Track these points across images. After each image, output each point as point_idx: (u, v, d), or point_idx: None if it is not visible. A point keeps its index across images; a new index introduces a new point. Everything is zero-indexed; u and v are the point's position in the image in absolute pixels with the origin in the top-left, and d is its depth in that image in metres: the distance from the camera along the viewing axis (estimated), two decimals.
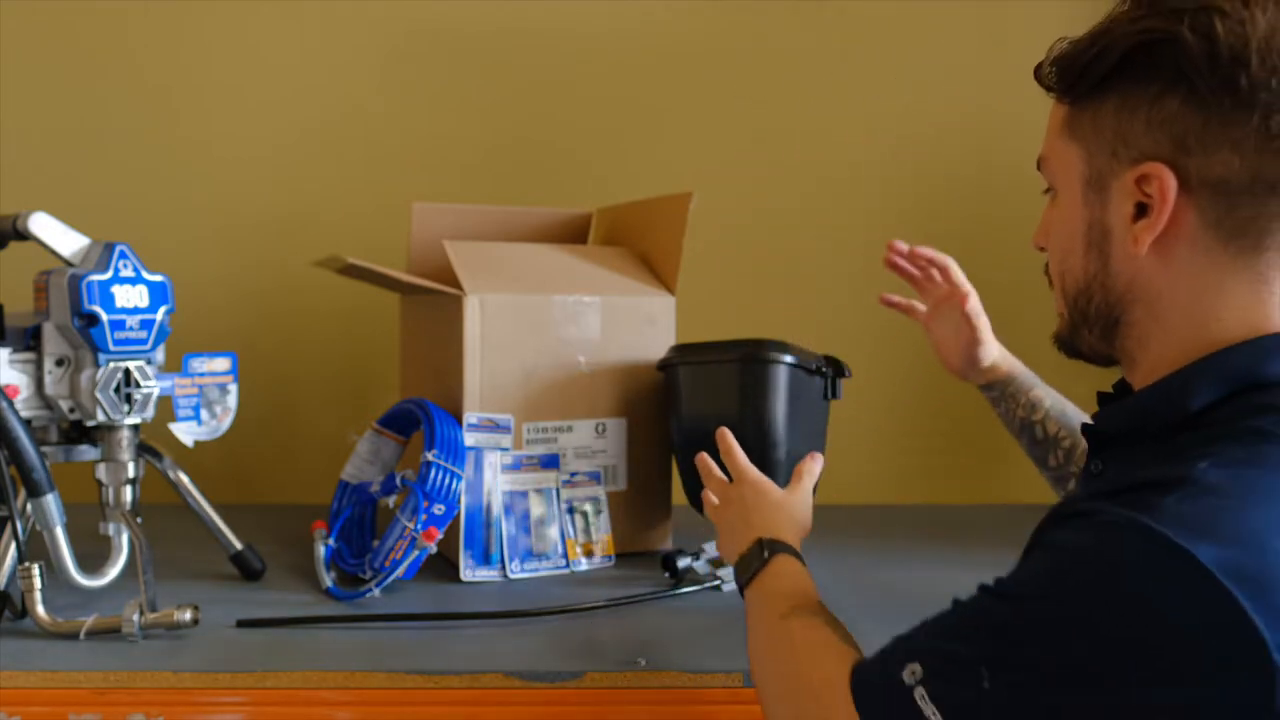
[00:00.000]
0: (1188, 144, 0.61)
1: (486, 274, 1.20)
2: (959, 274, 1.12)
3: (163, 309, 1.06)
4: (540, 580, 1.16)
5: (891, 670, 0.59)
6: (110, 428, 1.05)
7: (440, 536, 1.06)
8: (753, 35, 1.64)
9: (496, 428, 1.18)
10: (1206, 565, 0.50)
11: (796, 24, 1.64)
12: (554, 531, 1.19)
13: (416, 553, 1.05)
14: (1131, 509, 0.54)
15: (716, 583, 1.12)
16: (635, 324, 1.26)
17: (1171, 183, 0.61)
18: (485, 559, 1.16)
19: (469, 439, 1.15)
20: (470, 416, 1.16)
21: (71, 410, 1.05)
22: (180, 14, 1.56)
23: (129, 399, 1.04)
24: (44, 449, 1.00)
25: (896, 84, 1.65)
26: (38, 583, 0.95)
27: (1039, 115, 0.75)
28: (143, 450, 1.10)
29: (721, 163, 1.63)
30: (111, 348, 1.03)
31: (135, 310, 1.04)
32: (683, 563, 1.14)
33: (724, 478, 0.97)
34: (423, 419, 1.13)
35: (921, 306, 1.18)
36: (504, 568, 1.15)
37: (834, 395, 1.23)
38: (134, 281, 1.04)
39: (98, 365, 1.03)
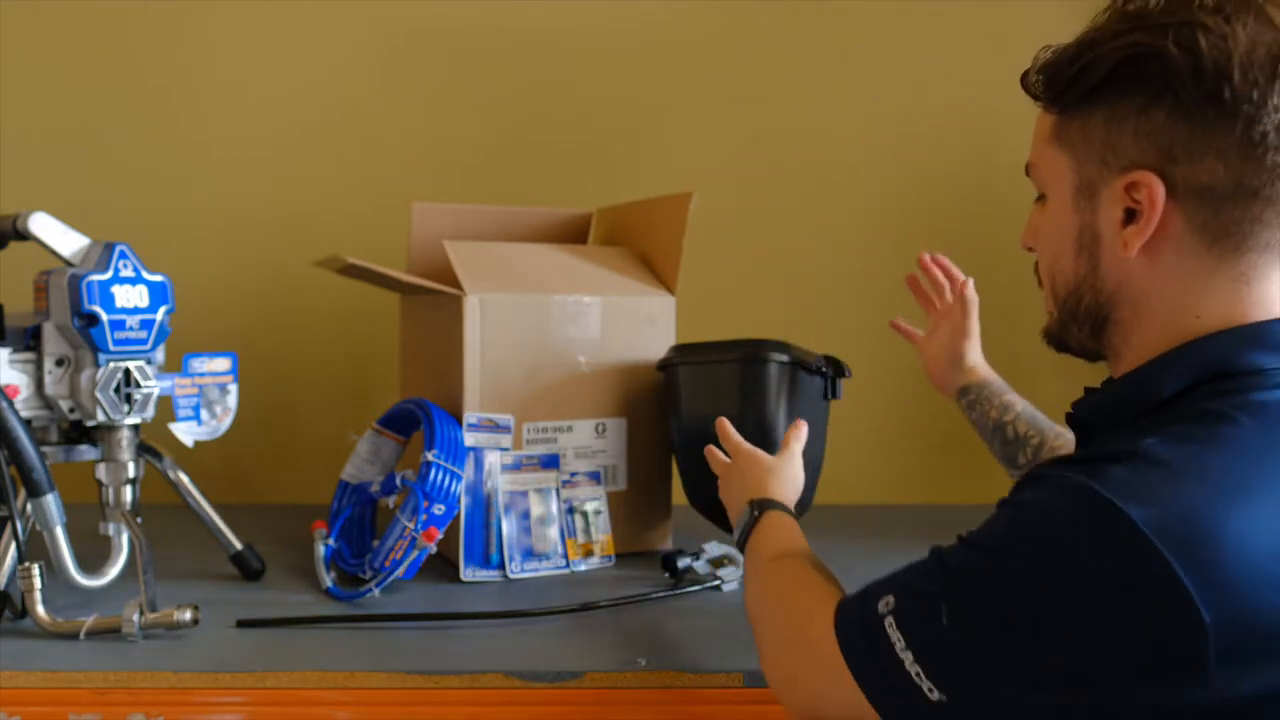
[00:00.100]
0: (1174, 153, 0.64)
1: (486, 274, 1.20)
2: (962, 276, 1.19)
3: (163, 309, 1.06)
4: (540, 580, 1.16)
5: (869, 603, 0.66)
6: (110, 428, 1.05)
7: (440, 536, 1.06)
8: (753, 35, 1.64)
9: (496, 428, 1.18)
10: (1139, 525, 0.55)
11: (796, 24, 1.64)
12: (554, 531, 1.19)
13: (416, 553, 1.05)
14: (1081, 475, 0.59)
15: (716, 583, 1.12)
16: (635, 324, 1.26)
17: (1160, 190, 0.64)
18: (485, 559, 1.15)
19: (469, 439, 1.15)
20: (470, 416, 1.16)
21: (71, 410, 1.05)
22: (180, 14, 1.56)
23: (129, 399, 1.04)
24: (44, 449, 1.00)
25: (896, 84, 1.65)
26: (38, 583, 0.95)
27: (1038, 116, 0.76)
28: (143, 450, 1.10)
29: (721, 163, 1.63)
30: (111, 348, 1.03)
31: (135, 310, 1.04)
32: (683, 563, 1.14)
33: (727, 461, 1.03)
34: (423, 419, 1.13)
35: (922, 333, 1.27)
36: (504, 568, 1.15)
37: (834, 395, 1.22)
38: (134, 281, 1.04)
39: (98, 365, 1.03)
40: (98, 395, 1.02)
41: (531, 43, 1.61)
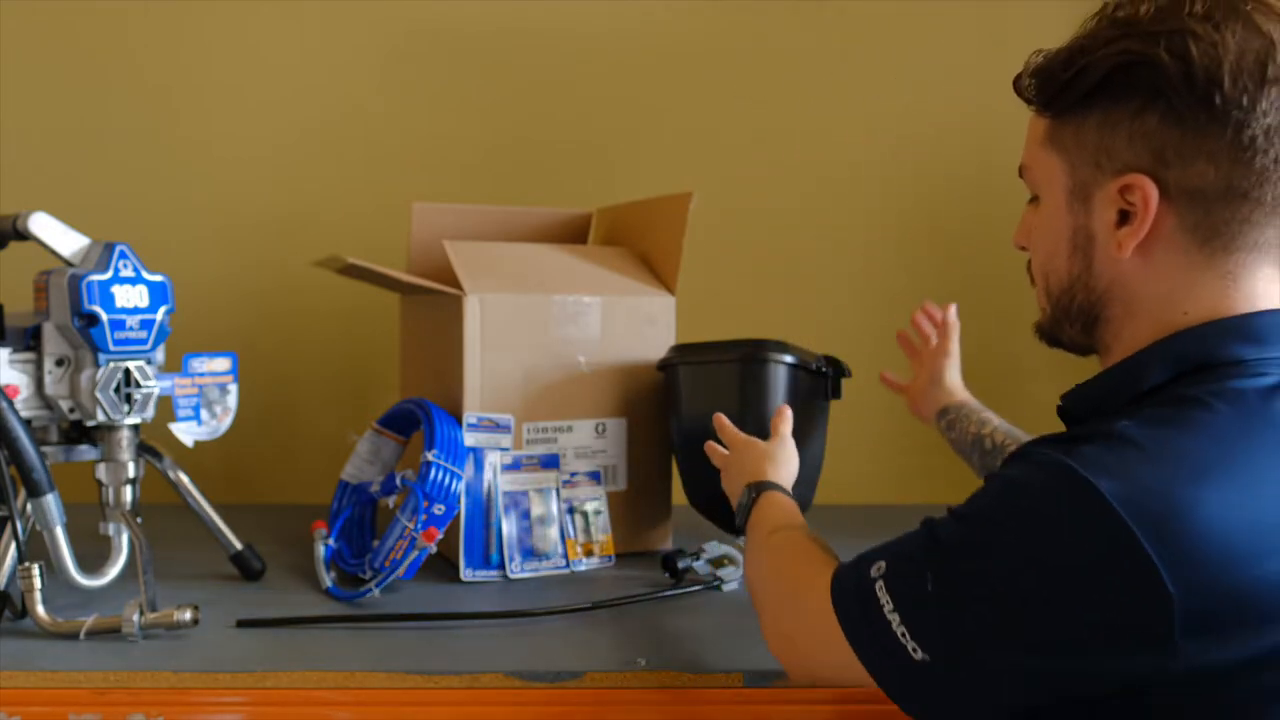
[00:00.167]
0: (1167, 157, 0.66)
1: (486, 274, 1.20)
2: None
3: (163, 309, 1.06)
4: (540, 580, 1.16)
5: (863, 568, 0.69)
6: (110, 428, 1.05)
7: (440, 536, 1.06)
8: (753, 35, 1.64)
9: (496, 428, 1.18)
10: (1109, 499, 0.58)
11: (796, 24, 1.64)
12: (554, 531, 1.19)
13: (416, 553, 1.05)
14: (1059, 452, 0.62)
15: (716, 583, 1.12)
16: (635, 324, 1.26)
17: (1153, 192, 0.67)
18: (485, 559, 1.15)
19: (469, 439, 1.15)
20: (470, 416, 1.16)
21: (71, 410, 1.05)
22: (180, 14, 1.56)
23: (129, 399, 1.04)
24: (44, 449, 1.00)
25: (896, 84, 1.65)
26: (38, 583, 0.95)
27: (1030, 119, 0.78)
28: (143, 450, 1.10)
29: (721, 163, 1.63)
30: (111, 348, 1.03)
31: (135, 310, 1.04)
32: (683, 563, 1.14)
33: (727, 453, 1.06)
34: (423, 419, 1.13)
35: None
36: (504, 568, 1.15)
37: (834, 395, 1.23)
38: (134, 281, 1.04)
39: (98, 365, 1.03)
40: (98, 395, 1.02)
41: (531, 43, 1.61)
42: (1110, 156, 0.68)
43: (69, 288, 1.01)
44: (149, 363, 1.06)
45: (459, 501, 1.11)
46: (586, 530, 1.21)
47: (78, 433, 1.08)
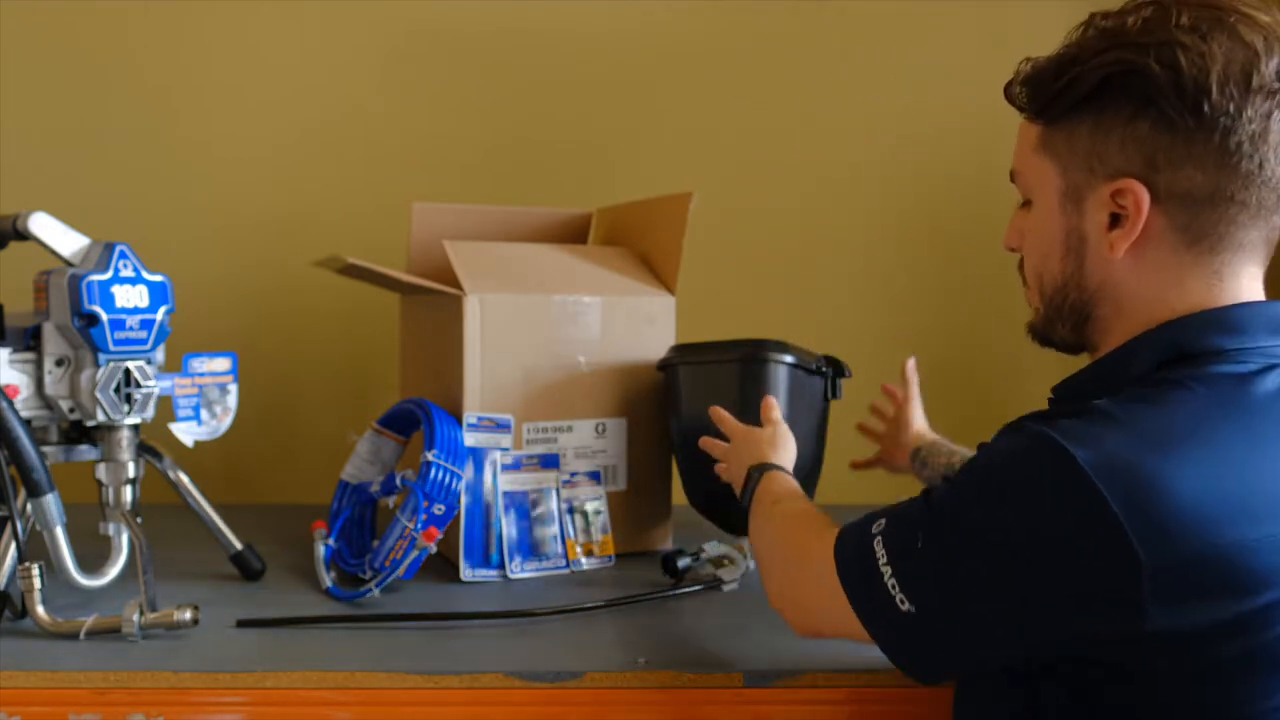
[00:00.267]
0: (1157, 161, 0.69)
1: (486, 274, 1.20)
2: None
3: (163, 309, 1.06)
4: (540, 580, 1.16)
5: (865, 525, 0.74)
6: (110, 428, 1.05)
7: (440, 536, 1.06)
8: (753, 35, 1.64)
9: (496, 428, 1.18)
10: (1083, 466, 0.62)
11: (796, 24, 1.64)
12: (554, 531, 1.19)
13: (416, 553, 1.05)
14: (1041, 424, 0.66)
15: (716, 583, 1.12)
16: (635, 324, 1.26)
17: (1145, 196, 0.70)
18: (485, 559, 1.15)
19: (469, 439, 1.15)
20: (470, 416, 1.16)
21: (71, 410, 1.05)
22: (180, 14, 1.56)
23: (129, 399, 1.04)
24: (44, 449, 1.00)
25: (896, 84, 1.65)
26: (38, 583, 0.95)
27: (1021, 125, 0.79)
28: (143, 450, 1.10)
29: (721, 163, 1.63)
30: (111, 348, 1.03)
31: (135, 310, 1.04)
32: (683, 563, 1.14)
33: (727, 445, 1.08)
34: (423, 419, 1.13)
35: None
36: (504, 568, 1.15)
37: (834, 395, 1.22)
38: (134, 281, 1.04)
39: (98, 365, 1.03)
40: (98, 395, 1.02)
41: (531, 43, 1.61)
42: (1102, 161, 0.71)
43: (69, 288, 1.01)
44: (149, 363, 1.06)
45: (459, 501, 1.11)
46: (586, 530, 1.21)
47: (78, 433, 1.08)
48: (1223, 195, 0.69)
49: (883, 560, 0.70)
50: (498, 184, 1.60)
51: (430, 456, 1.08)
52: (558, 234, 1.42)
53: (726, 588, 1.12)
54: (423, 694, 0.87)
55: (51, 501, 0.97)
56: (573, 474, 1.22)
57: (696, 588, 1.12)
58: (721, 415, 1.10)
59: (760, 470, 0.98)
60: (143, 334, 1.04)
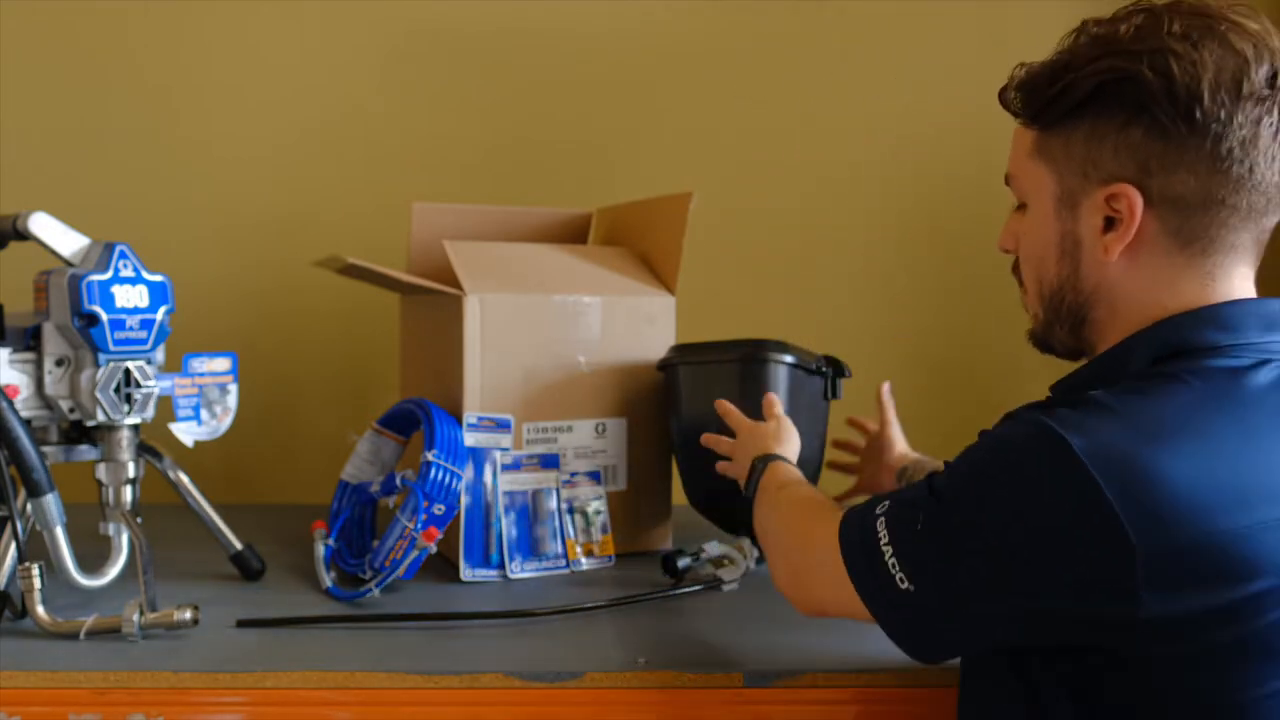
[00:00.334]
0: (1150, 167, 0.71)
1: (486, 274, 1.20)
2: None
3: (163, 309, 1.06)
4: (540, 580, 1.16)
5: (871, 507, 0.76)
6: (110, 428, 1.05)
7: (440, 536, 1.06)
8: (753, 35, 1.64)
9: (496, 428, 1.18)
10: (1078, 453, 0.63)
11: (796, 24, 1.64)
12: (554, 531, 1.19)
13: (416, 553, 1.05)
14: (1039, 413, 0.68)
15: (716, 583, 1.12)
16: (635, 324, 1.26)
17: (1138, 201, 0.71)
18: (485, 559, 1.15)
19: (469, 439, 1.15)
20: (470, 416, 1.16)
21: (71, 410, 1.05)
22: (180, 14, 1.56)
23: (129, 399, 1.04)
24: (44, 449, 1.00)
25: (896, 84, 1.65)
26: (38, 583, 0.95)
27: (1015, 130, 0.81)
28: (143, 450, 1.10)
29: (721, 163, 1.63)
30: (111, 348, 1.03)
31: (135, 310, 1.04)
32: (683, 563, 1.14)
33: (733, 441, 1.09)
34: (423, 419, 1.13)
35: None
36: (504, 568, 1.15)
37: (834, 395, 1.23)
38: (134, 281, 1.04)
39: (98, 365, 1.03)
40: (98, 395, 1.02)
41: (531, 43, 1.61)
42: (1097, 167, 0.73)
43: (69, 288, 1.01)
44: (149, 363, 1.06)
45: (459, 501, 1.11)
46: (586, 530, 1.21)
47: (78, 433, 1.08)
48: (1214, 199, 0.70)
49: (884, 540, 0.72)
50: (498, 184, 1.60)
51: (430, 456, 1.08)
52: (558, 234, 1.42)
53: (726, 588, 1.12)
54: (423, 694, 0.87)
55: (51, 501, 0.97)
56: (573, 474, 1.22)
57: (696, 588, 1.12)
58: (727, 408, 1.11)
59: (765, 461, 1.00)
60: (143, 334, 1.04)
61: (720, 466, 1.10)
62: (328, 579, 1.10)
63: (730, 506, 1.21)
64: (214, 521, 1.14)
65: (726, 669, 0.89)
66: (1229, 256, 0.73)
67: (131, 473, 1.06)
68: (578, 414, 1.23)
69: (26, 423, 0.97)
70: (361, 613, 1.02)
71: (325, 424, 1.59)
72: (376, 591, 1.05)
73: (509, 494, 1.18)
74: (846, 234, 1.65)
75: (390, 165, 1.60)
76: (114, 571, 1.04)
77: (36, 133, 1.55)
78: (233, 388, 1.14)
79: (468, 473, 1.14)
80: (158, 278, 1.06)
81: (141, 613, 0.94)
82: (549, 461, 1.21)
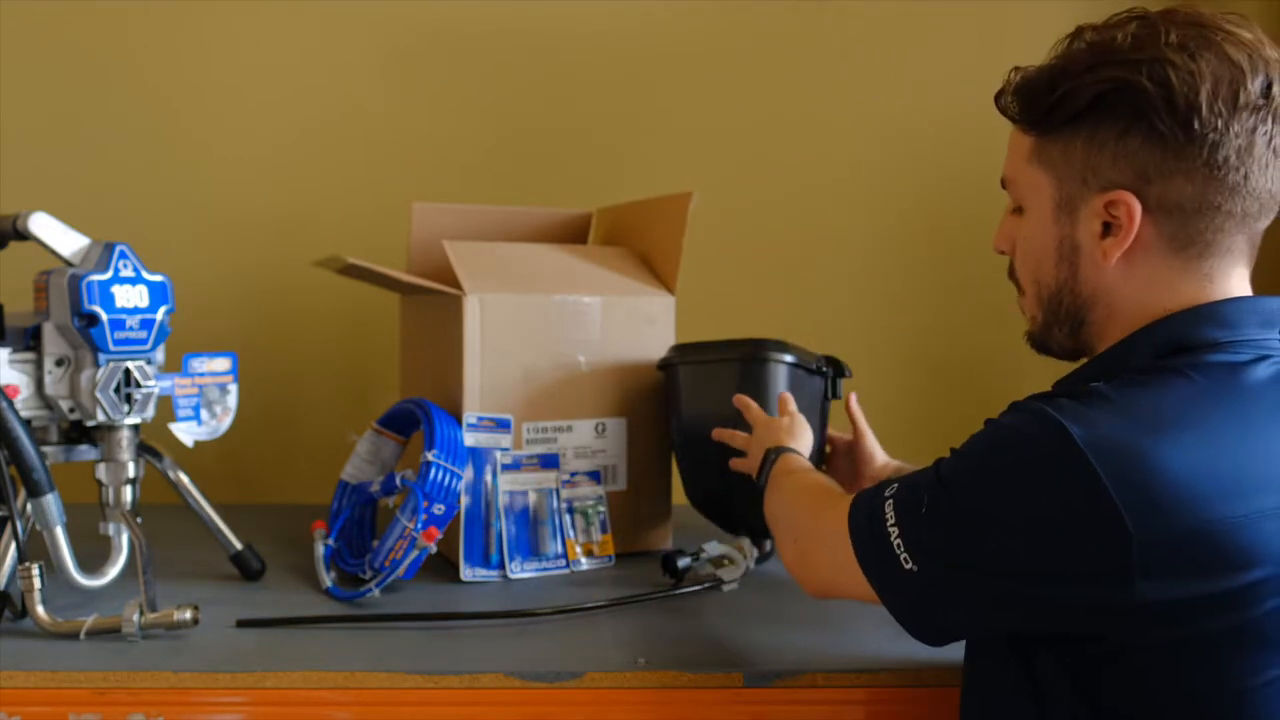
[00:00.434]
0: (1148, 174, 0.72)
1: (486, 274, 1.20)
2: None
3: (163, 309, 1.06)
4: (540, 580, 1.16)
5: (880, 490, 0.78)
6: (110, 428, 1.05)
7: (440, 536, 1.06)
8: (753, 35, 1.64)
9: (496, 428, 1.18)
10: (1078, 442, 0.65)
11: (796, 24, 1.64)
12: (554, 531, 1.19)
13: (416, 553, 1.05)
14: (1041, 403, 0.70)
15: (716, 583, 1.12)
16: (635, 324, 1.26)
17: (1137, 207, 0.73)
18: (485, 559, 1.15)
19: (469, 439, 1.15)
20: (470, 416, 1.16)
21: (71, 410, 1.05)
22: (180, 14, 1.56)
23: (129, 399, 1.04)
24: (44, 449, 1.00)
25: (896, 84, 1.65)
26: (38, 583, 0.95)
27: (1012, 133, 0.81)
28: (143, 450, 1.10)
29: (721, 163, 1.63)
30: (111, 348, 1.03)
31: (135, 310, 1.04)
32: (683, 563, 1.14)
33: (748, 437, 1.10)
34: (423, 419, 1.13)
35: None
36: (504, 568, 1.15)
37: (834, 395, 1.23)
38: (134, 281, 1.04)
39: (98, 365, 1.03)
40: (98, 395, 1.02)
41: (531, 43, 1.61)
42: (1096, 173, 0.74)
43: (69, 288, 1.01)
44: (149, 363, 1.06)
45: (459, 501, 1.11)
46: (586, 530, 1.21)
47: (78, 433, 1.08)
48: (1210, 205, 0.72)
49: (890, 521, 0.74)
50: (498, 184, 1.60)
51: (430, 456, 1.08)
52: (558, 234, 1.42)
53: (726, 588, 1.12)
54: (423, 694, 0.87)
55: (51, 501, 0.97)
56: (573, 474, 1.22)
57: (696, 588, 1.12)
58: (746, 402, 1.13)
59: (777, 452, 1.02)
60: (143, 334, 1.04)
61: (734, 463, 1.11)
62: (328, 579, 1.10)
63: (729, 505, 1.21)
64: (214, 521, 1.14)
65: (726, 669, 0.89)
66: (1224, 259, 0.74)
67: (131, 473, 1.06)
68: (578, 414, 1.23)
69: (26, 423, 0.97)
70: (361, 613, 1.02)
71: (325, 424, 1.59)
72: (376, 591, 1.05)
73: (509, 494, 1.18)
74: (846, 234, 1.65)
75: (390, 165, 1.60)
76: (114, 571, 1.04)
77: (36, 133, 1.55)
78: (233, 388, 1.14)
79: (468, 473, 1.14)
80: (158, 278, 1.06)
81: (141, 613, 0.94)
82: (549, 461, 1.21)
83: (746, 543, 1.17)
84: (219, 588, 1.11)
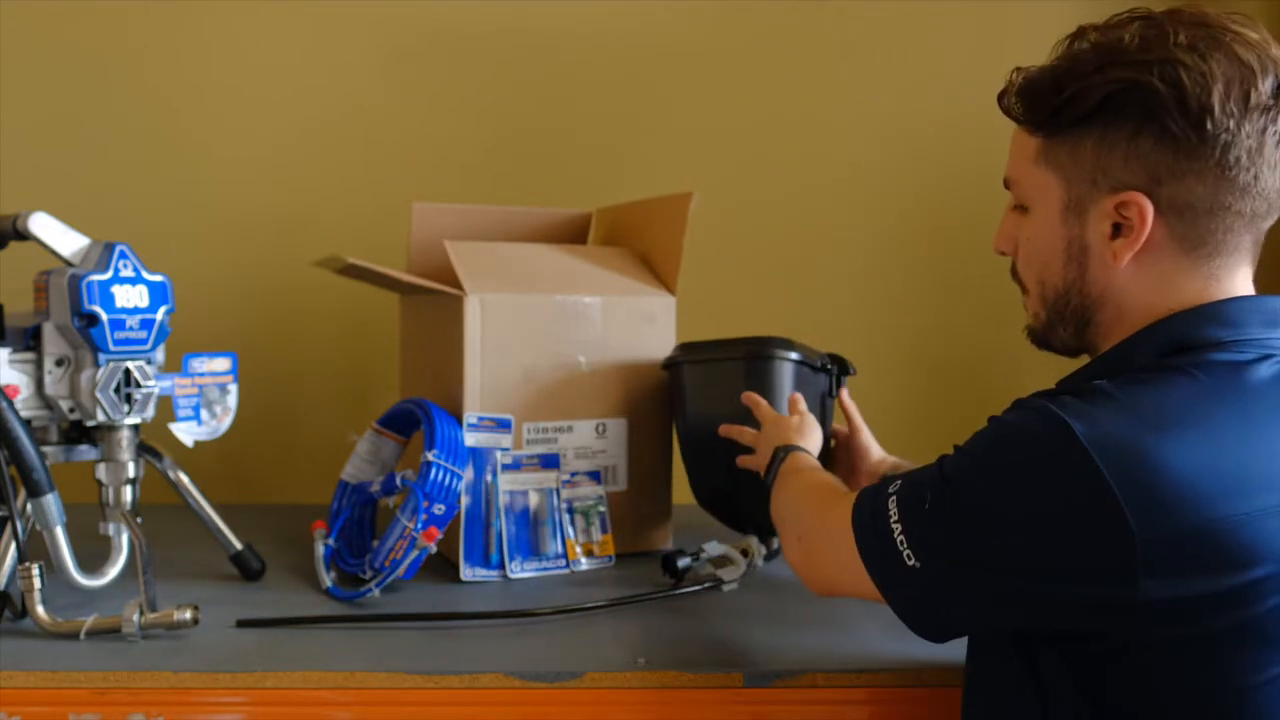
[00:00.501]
0: (1160, 175, 0.72)
1: (486, 274, 1.20)
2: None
3: (163, 309, 1.06)
4: (540, 580, 1.16)
5: (883, 487, 0.78)
6: (110, 428, 1.05)
7: (440, 536, 1.06)
8: (753, 35, 1.64)
9: (497, 428, 1.18)
10: (1081, 439, 0.65)
11: (796, 24, 1.64)
12: (554, 531, 1.19)
13: (416, 553, 1.05)
14: (1045, 400, 0.70)
15: (716, 583, 1.12)
16: (635, 324, 1.26)
17: (1149, 208, 0.73)
18: (485, 559, 1.15)
19: (469, 439, 1.15)
20: (470, 416, 1.16)
21: (71, 410, 1.05)
22: (180, 14, 1.56)
23: (129, 399, 1.04)
24: (44, 449, 1.00)
25: (896, 84, 1.65)
26: (38, 583, 0.95)
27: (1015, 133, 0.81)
28: (143, 450, 1.10)
29: (721, 163, 1.63)
30: (111, 348, 1.03)
31: (135, 310, 1.04)
32: (683, 563, 1.14)
33: (756, 433, 1.11)
34: (423, 419, 1.13)
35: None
36: (504, 568, 1.15)
37: (838, 393, 1.23)
38: (134, 281, 1.04)
39: (98, 365, 1.03)
40: (98, 395, 1.02)
41: (531, 43, 1.61)
42: (1106, 175, 0.74)
43: (69, 288, 1.01)
44: (149, 363, 1.06)
45: (459, 501, 1.11)
46: (586, 530, 1.21)
47: (78, 433, 1.08)
48: (1220, 205, 0.72)
49: (894, 518, 0.74)
50: (498, 184, 1.60)
51: (430, 456, 1.08)
52: (558, 234, 1.42)
53: (726, 588, 1.12)
54: (423, 694, 0.87)
55: (51, 501, 0.97)
56: (573, 474, 1.22)
57: (696, 588, 1.12)
58: (756, 400, 1.13)
59: (786, 450, 1.02)
60: (143, 334, 1.04)
61: (742, 460, 1.11)
62: (328, 579, 1.10)
63: (736, 503, 1.21)
64: (214, 521, 1.14)
65: (726, 669, 0.89)
66: (1231, 258, 0.74)
67: (131, 473, 1.06)
68: (578, 414, 1.23)
69: (26, 423, 0.97)
70: (361, 613, 1.02)
71: (325, 424, 1.59)
72: (376, 591, 1.05)
73: (509, 494, 1.18)
74: (846, 233, 1.65)
75: (390, 165, 1.60)
76: (114, 571, 1.04)
77: (36, 132, 1.55)
78: (233, 388, 1.14)
79: (468, 473, 1.14)
80: (158, 278, 1.06)
81: (141, 613, 0.94)
82: (549, 461, 1.21)
83: (754, 541, 1.17)
84: (219, 588, 1.11)
